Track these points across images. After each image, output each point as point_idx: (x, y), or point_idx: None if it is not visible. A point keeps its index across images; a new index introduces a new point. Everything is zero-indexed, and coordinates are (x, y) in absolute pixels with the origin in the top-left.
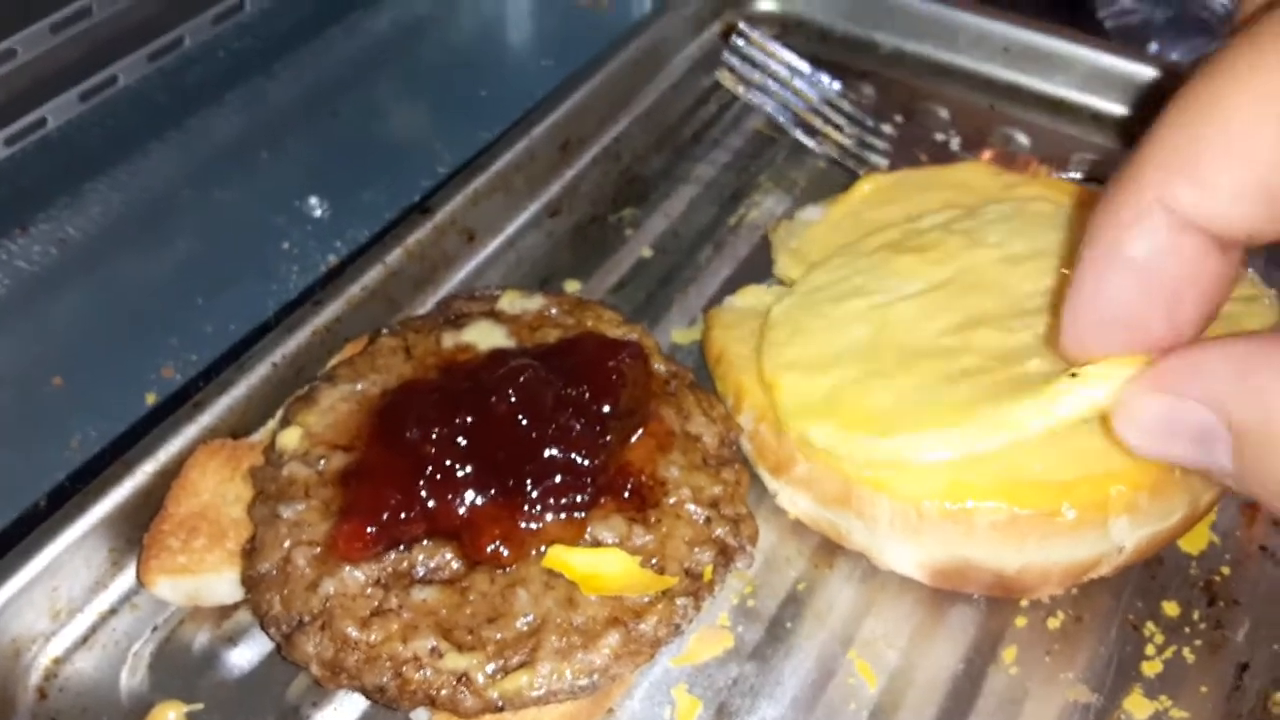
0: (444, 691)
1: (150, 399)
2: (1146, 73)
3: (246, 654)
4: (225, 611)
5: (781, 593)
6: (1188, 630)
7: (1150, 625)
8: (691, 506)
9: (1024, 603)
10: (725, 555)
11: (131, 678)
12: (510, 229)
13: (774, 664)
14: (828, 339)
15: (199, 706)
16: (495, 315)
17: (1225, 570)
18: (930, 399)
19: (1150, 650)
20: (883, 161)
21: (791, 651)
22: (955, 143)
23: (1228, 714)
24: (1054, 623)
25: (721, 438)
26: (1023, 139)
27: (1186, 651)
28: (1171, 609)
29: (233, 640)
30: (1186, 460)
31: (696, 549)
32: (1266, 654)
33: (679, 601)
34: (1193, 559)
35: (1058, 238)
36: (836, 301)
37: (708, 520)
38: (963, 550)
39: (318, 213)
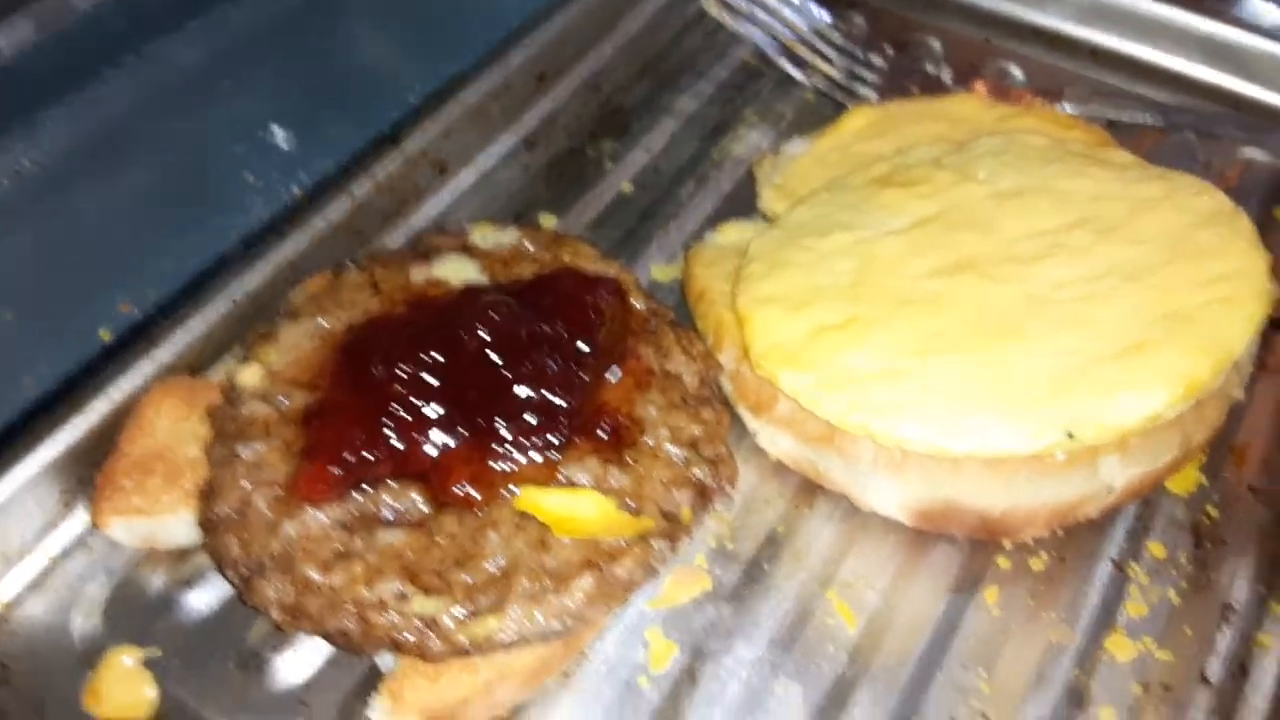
0: (410, 636)
1: (106, 335)
2: (1142, 4)
3: (205, 597)
4: (183, 554)
5: (760, 534)
6: (1173, 572)
7: (1135, 566)
8: (669, 447)
9: (1007, 544)
10: (703, 497)
11: (85, 622)
12: (484, 162)
13: (751, 606)
14: (809, 274)
15: (155, 651)
16: (467, 250)
17: (1213, 512)
18: (912, 372)
19: (1134, 592)
20: (872, 94)
21: (769, 593)
22: (947, 75)
23: (1212, 655)
24: (1037, 564)
25: (701, 377)
26: (1017, 72)
27: (1171, 593)
28: (1157, 550)
29: (190, 583)
30: None
31: (674, 490)
32: (1252, 596)
33: (655, 544)
34: (1180, 500)
35: (1049, 173)
36: (820, 236)
37: (686, 461)
38: (948, 490)
39: (282, 144)
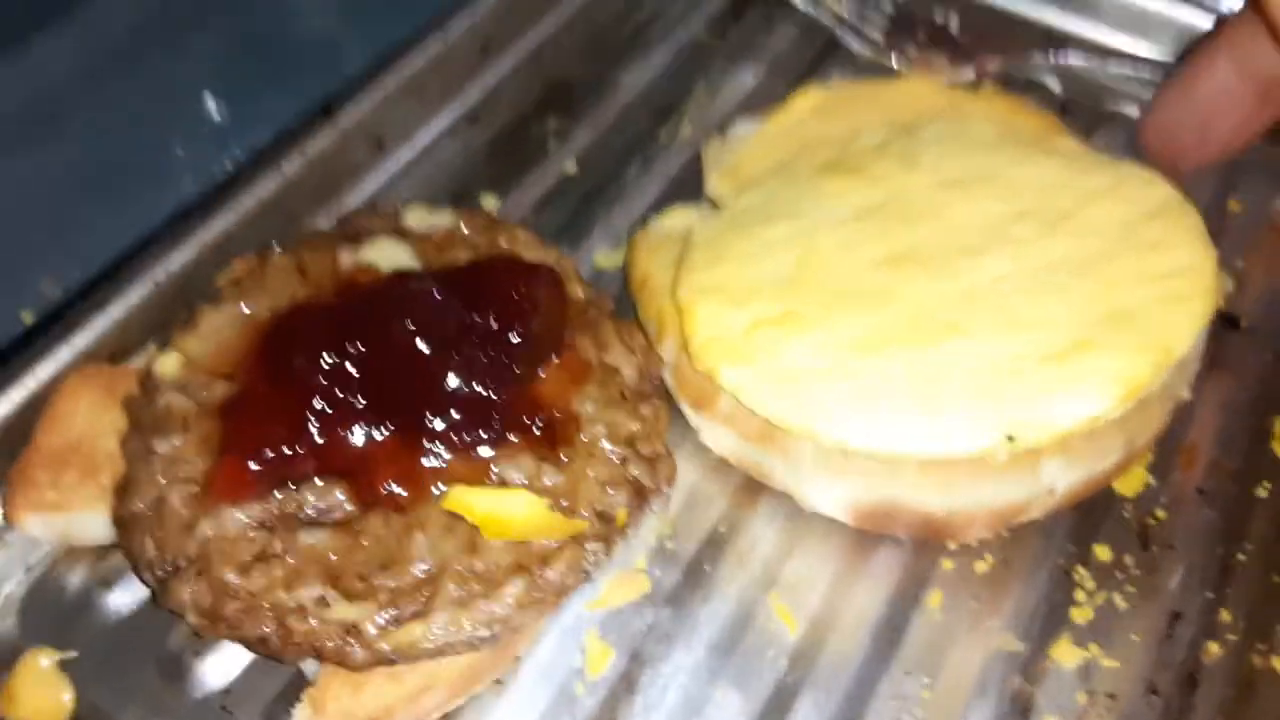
0: (331, 643)
1: (27, 317)
2: None
3: (125, 598)
4: (102, 552)
5: (701, 534)
6: (1120, 576)
7: (1081, 570)
8: (606, 444)
9: (951, 546)
10: (640, 497)
11: (0, 622)
12: (423, 137)
13: (691, 609)
14: (750, 265)
15: (72, 654)
16: (400, 233)
17: (1160, 514)
18: (851, 370)
19: (1081, 596)
20: (877, 36)
21: (710, 596)
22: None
23: (1159, 663)
24: (982, 566)
25: (641, 370)
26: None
27: (1118, 598)
28: (1103, 553)
29: (110, 583)
30: None
31: (610, 490)
32: (1200, 601)
33: (589, 546)
34: (1127, 501)
35: (995, 161)
36: (764, 224)
37: (623, 459)
38: (890, 491)
39: (215, 116)
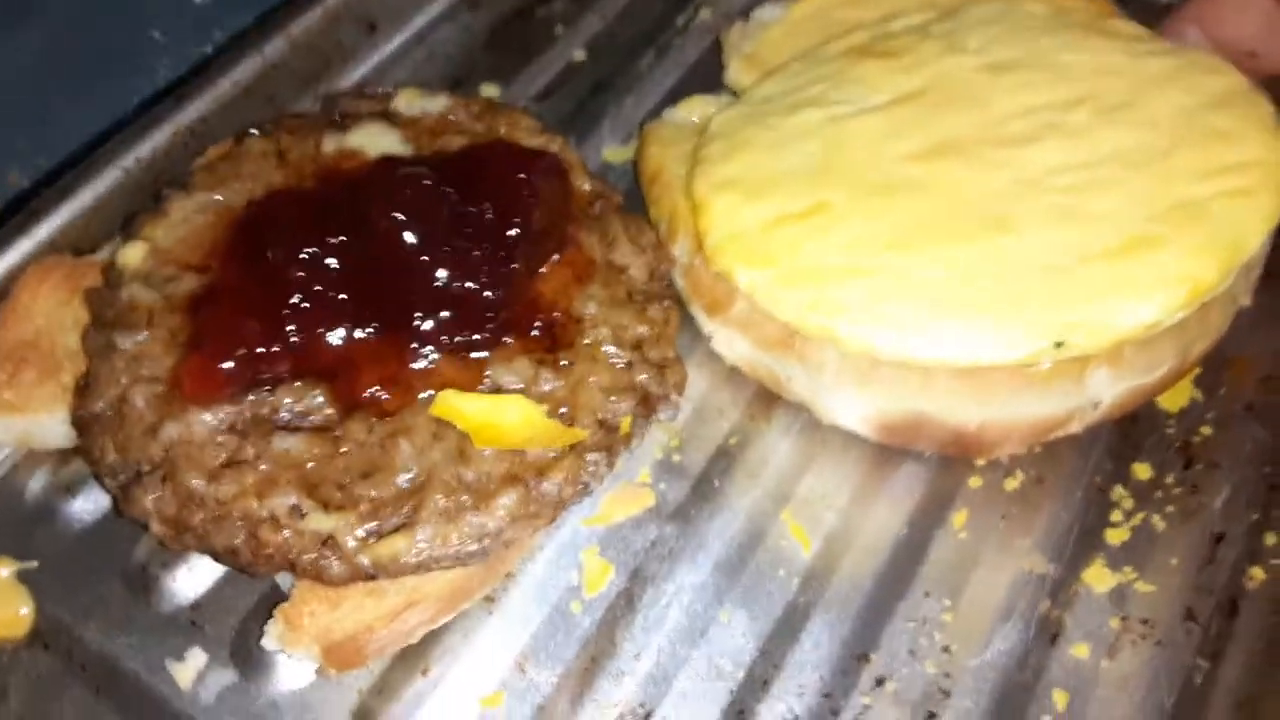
0: (306, 556)
1: None
2: None
3: (88, 506)
4: (63, 457)
5: (711, 447)
6: (1160, 495)
7: (1119, 489)
8: (610, 348)
9: (980, 461)
10: (647, 405)
11: None
12: (419, 20)
13: (698, 525)
14: (773, 155)
15: (32, 564)
16: (389, 117)
17: (1206, 430)
18: (883, 269)
19: (1117, 516)
20: None
21: (718, 511)
22: None
23: (1198, 588)
24: (1012, 484)
25: (651, 270)
26: None
27: (1157, 519)
28: (1143, 471)
29: (72, 490)
30: None
31: (614, 397)
32: (1245, 524)
33: (589, 457)
34: (1171, 417)
35: (1047, 45)
36: (788, 113)
37: (629, 364)
38: (918, 403)
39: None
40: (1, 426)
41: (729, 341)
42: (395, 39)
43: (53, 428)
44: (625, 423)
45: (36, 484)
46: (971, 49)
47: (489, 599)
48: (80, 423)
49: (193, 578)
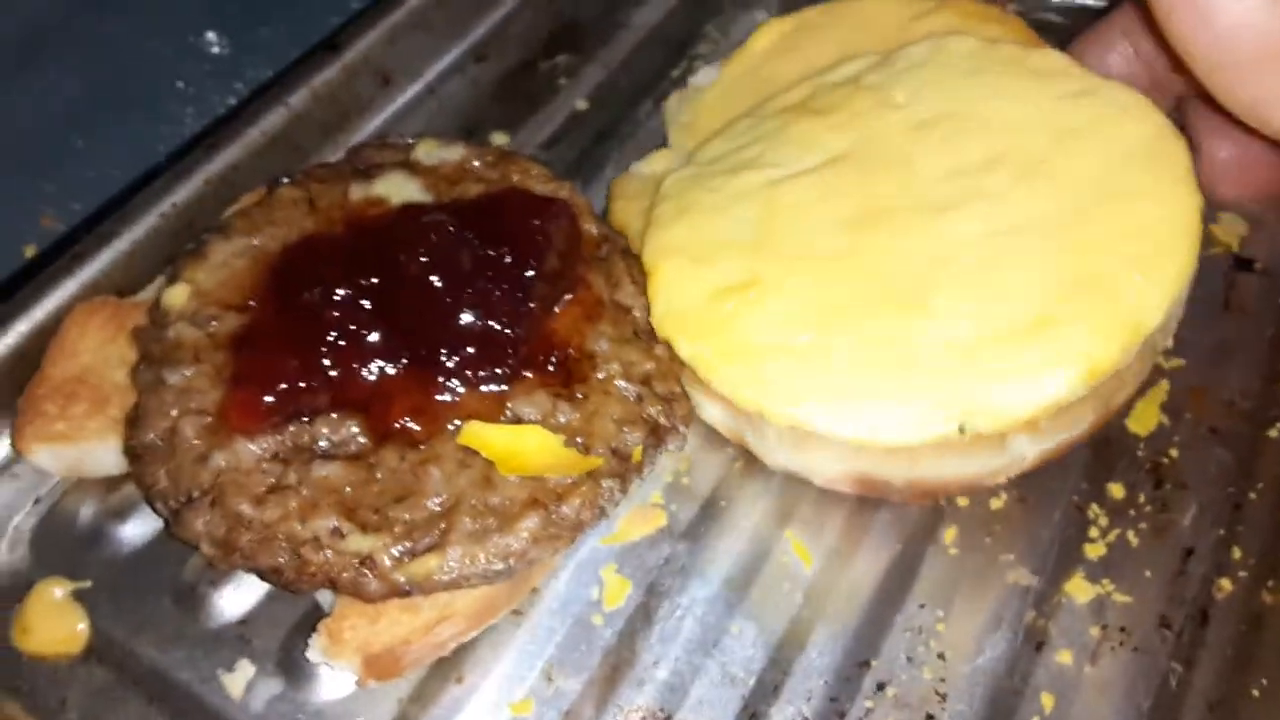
0: (346, 574)
1: (29, 251)
2: None
3: (138, 529)
4: (113, 484)
5: (718, 470)
6: (1133, 513)
7: (1095, 508)
8: (621, 383)
9: None
10: (656, 435)
11: (11, 553)
12: (431, 73)
13: (707, 543)
14: (714, 221)
15: (85, 584)
16: (410, 166)
17: (1174, 453)
18: (808, 348)
19: (1094, 533)
20: None
21: (726, 530)
22: None
23: (1171, 599)
24: (996, 503)
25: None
26: None
27: (1131, 535)
28: (1117, 491)
29: (122, 515)
30: None
31: (625, 428)
32: (1212, 539)
33: (604, 483)
34: (1141, 440)
35: (972, 93)
36: (731, 174)
37: (639, 398)
38: (858, 465)
39: (215, 49)
40: (53, 456)
41: (700, 404)
42: (409, 91)
43: (102, 456)
44: (637, 452)
45: (88, 510)
46: (899, 102)
47: (517, 613)
48: (133, 452)
49: (239, 595)
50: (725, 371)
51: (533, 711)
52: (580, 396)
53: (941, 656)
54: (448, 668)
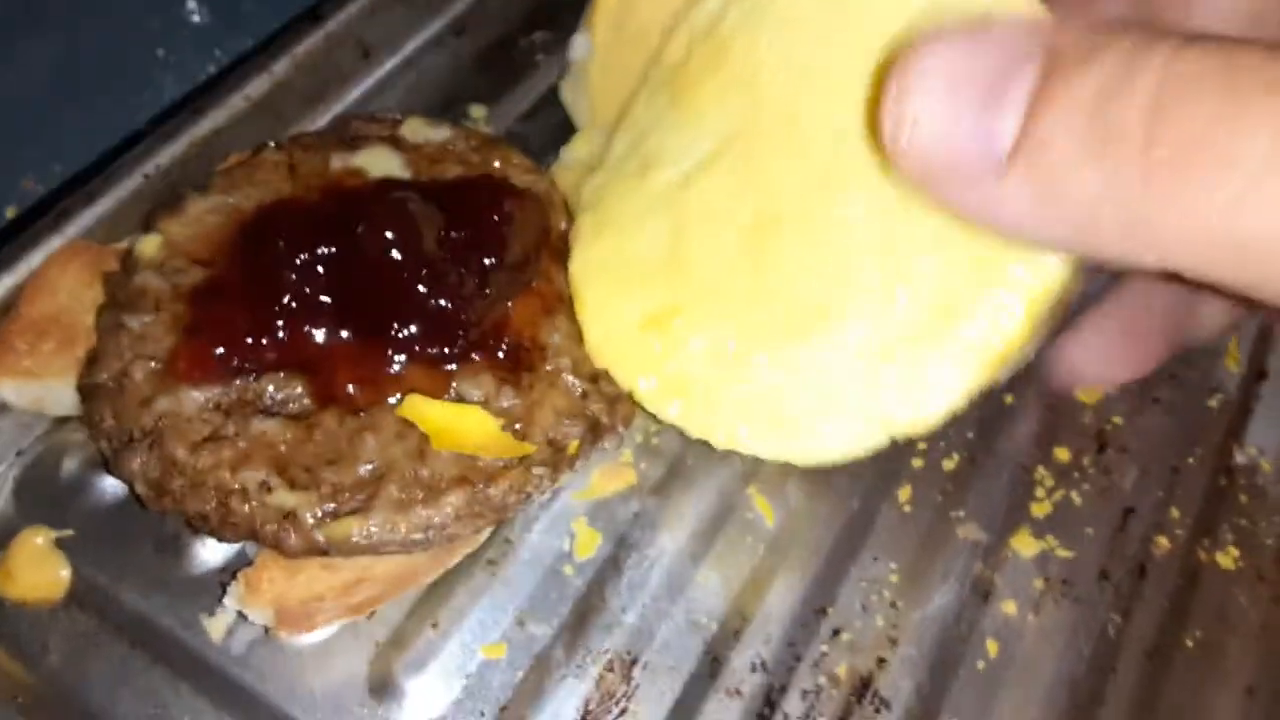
0: (268, 527)
1: (10, 212)
2: None
3: (119, 482)
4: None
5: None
6: (1077, 475)
7: (1041, 469)
8: (569, 377)
9: (921, 444)
10: (595, 432)
11: None
12: (410, 46)
13: (675, 499)
14: (631, 238)
15: (69, 533)
16: (394, 141)
17: (1118, 420)
18: (735, 375)
19: (1040, 493)
20: None
21: (692, 487)
22: None
23: (1112, 554)
24: (949, 464)
25: None
26: None
27: (1075, 495)
28: (1063, 454)
29: (104, 465)
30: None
31: (566, 421)
32: (1152, 499)
33: (535, 470)
34: (1088, 408)
35: (838, 34)
36: (639, 176)
37: (583, 394)
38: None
39: (195, 17)
40: (17, 390)
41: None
42: (388, 63)
43: (63, 394)
44: (573, 445)
45: (70, 462)
46: (767, 50)
47: (491, 562)
48: (85, 390)
49: (220, 544)
50: (666, 405)
51: (505, 654)
52: (526, 385)
53: (894, 605)
54: (423, 614)
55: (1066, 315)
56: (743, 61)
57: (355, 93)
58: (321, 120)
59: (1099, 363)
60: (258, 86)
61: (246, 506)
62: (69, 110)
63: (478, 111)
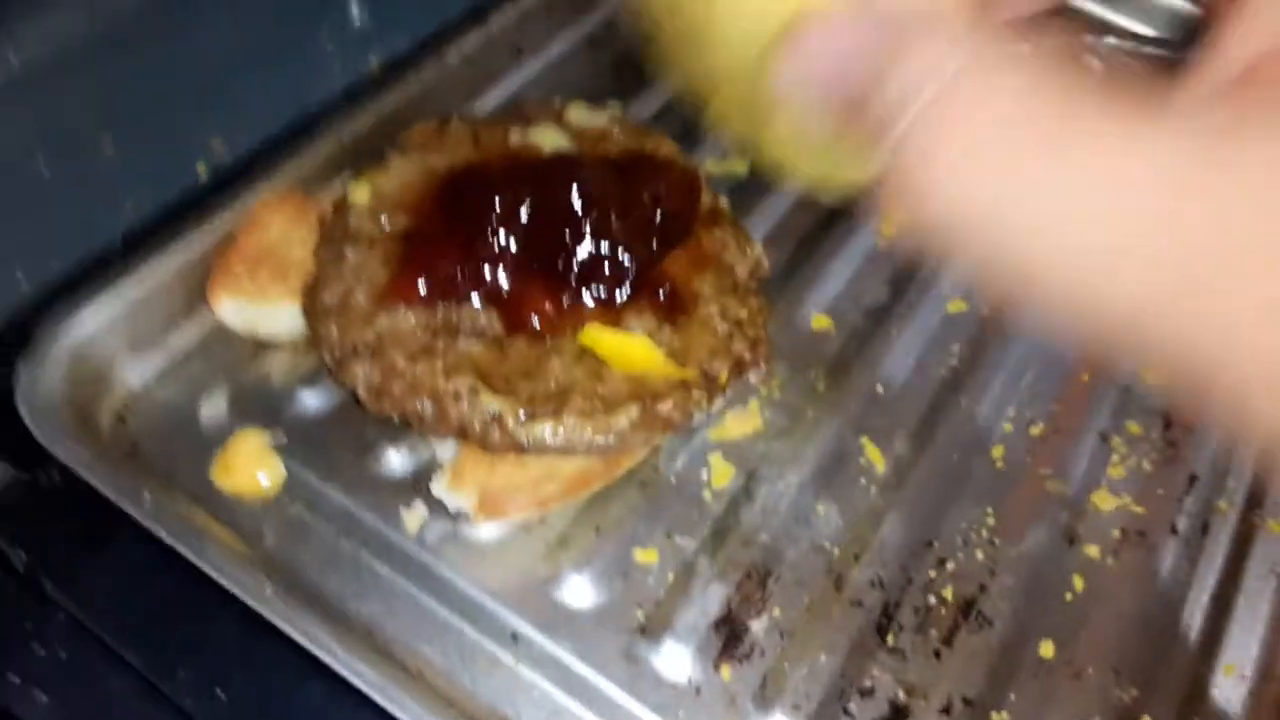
0: (478, 425)
1: (200, 167)
2: None
3: (322, 397)
4: (297, 360)
5: (804, 389)
6: (1147, 446)
7: (1116, 439)
8: (717, 321)
9: (1010, 412)
10: (739, 366)
11: (212, 410)
12: (555, 50)
13: (797, 444)
14: None
15: (281, 437)
16: (561, 122)
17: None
18: None
19: (1115, 459)
20: None
21: (812, 435)
22: None
23: (1178, 512)
24: (1035, 430)
25: (751, 270)
26: None
27: (1145, 463)
28: (1135, 429)
29: (309, 382)
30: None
31: (715, 357)
32: (1214, 470)
33: (694, 392)
34: (1156, 391)
35: None
36: None
37: (729, 335)
38: None
39: (356, 21)
40: (237, 311)
41: None
42: (535, 64)
43: (277, 318)
44: (723, 375)
45: (279, 376)
46: None
47: (643, 484)
48: (310, 309)
49: (410, 452)
50: None
51: (657, 559)
52: (681, 325)
53: (992, 542)
54: (588, 521)
55: None
56: None
57: (508, 88)
58: (479, 110)
59: None
60: (431, 71)
61: (458, 408)
62: (249, 84)
63: (614, 107)
